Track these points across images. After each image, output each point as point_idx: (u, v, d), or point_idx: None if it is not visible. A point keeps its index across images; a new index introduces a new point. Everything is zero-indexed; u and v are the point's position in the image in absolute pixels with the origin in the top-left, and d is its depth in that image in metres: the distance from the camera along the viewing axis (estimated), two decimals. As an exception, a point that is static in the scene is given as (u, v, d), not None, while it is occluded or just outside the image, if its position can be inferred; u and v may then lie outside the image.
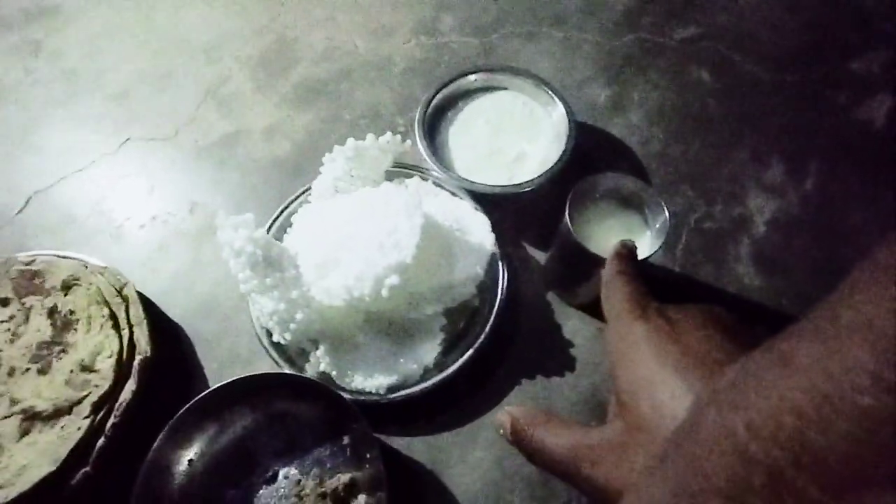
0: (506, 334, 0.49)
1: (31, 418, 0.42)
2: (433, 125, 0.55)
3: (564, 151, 0.51)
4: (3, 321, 0.47)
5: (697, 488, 0.18)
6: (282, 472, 0.44)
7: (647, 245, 0.45)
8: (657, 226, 0.44)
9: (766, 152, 0.59)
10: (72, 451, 0.40)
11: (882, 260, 0.15)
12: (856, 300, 0.15)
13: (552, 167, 0.51)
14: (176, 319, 0.51)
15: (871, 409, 0.13)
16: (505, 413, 0.29)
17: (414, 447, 0.45)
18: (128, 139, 0.60)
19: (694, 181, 0.58)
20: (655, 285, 0.51)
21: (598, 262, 0.42)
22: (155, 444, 0.41)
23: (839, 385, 0.14)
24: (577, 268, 0.45)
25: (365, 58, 0.65)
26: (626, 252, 0.33)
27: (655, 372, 0.24)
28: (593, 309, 0.50)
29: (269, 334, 0.46)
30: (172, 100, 0.63)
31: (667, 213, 0.42)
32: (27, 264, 0.49)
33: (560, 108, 0.54)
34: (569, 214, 0.42)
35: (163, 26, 0.68)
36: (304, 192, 0.52)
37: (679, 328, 0.25)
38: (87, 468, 0.41)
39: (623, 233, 0.45)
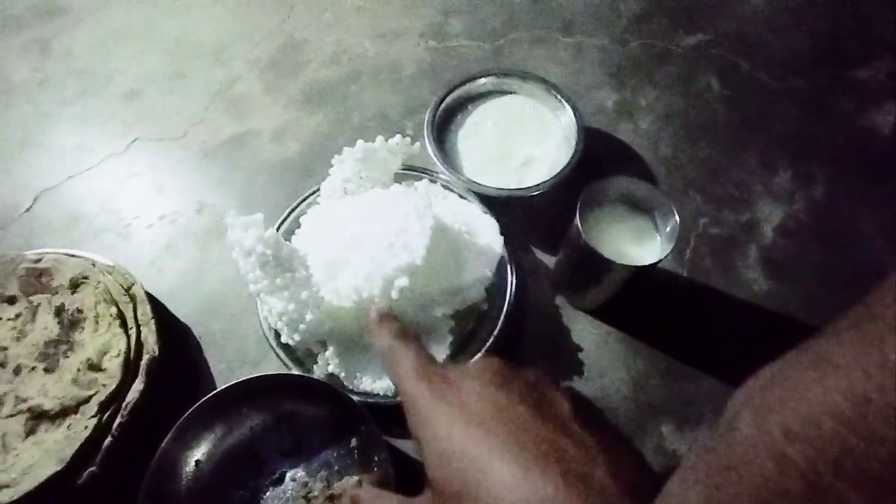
0: (514, 337, 0.49)
1: (38, 417, 0.42)
2: (442, 128, 0.55)
3: (573, 156, 0.51)
4: (9, 319, 0.47)
5: (732, 493, 0.17)
6: (289, 474, 0.43)
7: (656, 250, 0.45)
8: (667, 230, 0.44)
9: (774, 159, 0.59)
10: (78, 450, 0.40)
11: None
12: (895, 300, 0.15)
13: (561, 171, 0.51)
14: (183, 319, 0.51)
15: None
16: (347, 496, 0.33)
17: (421, 450, 0.44)
18: (136, 139, 0.61)
19: (702, 187, 0.58)
20: (664, 291, 0.51)
21: (608, 265, 0.42)
22: (163, 444, 0.40)
23: (880, 387, 0.14)
24: (587, 271, 0.45)
25: (374, 61, 0.65)
26: (388, 313, 0.34)
27: (445, 438, 0.25)
28: (601, 313, 0.50)
29: (278, 335, 0.46)
30: (181, 100, 0.63)
31: (677, 218, 0.42)
32: (35, 262, 0.49)
33: (569, 113, 0.54)
34: (579, 218, 0.42)
35: (172, 27, 0.69)
36: (312, 194, 0.52)
37: (459, 389, 0.26)
38: (94, 467, 0.40)
39: (633, 237, 0.45)
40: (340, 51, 0.66)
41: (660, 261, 0.43)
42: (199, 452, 0.43)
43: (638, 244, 0.45)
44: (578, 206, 0.42)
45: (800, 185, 0.57)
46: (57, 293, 0.48)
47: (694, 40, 0.68)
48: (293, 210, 0.52)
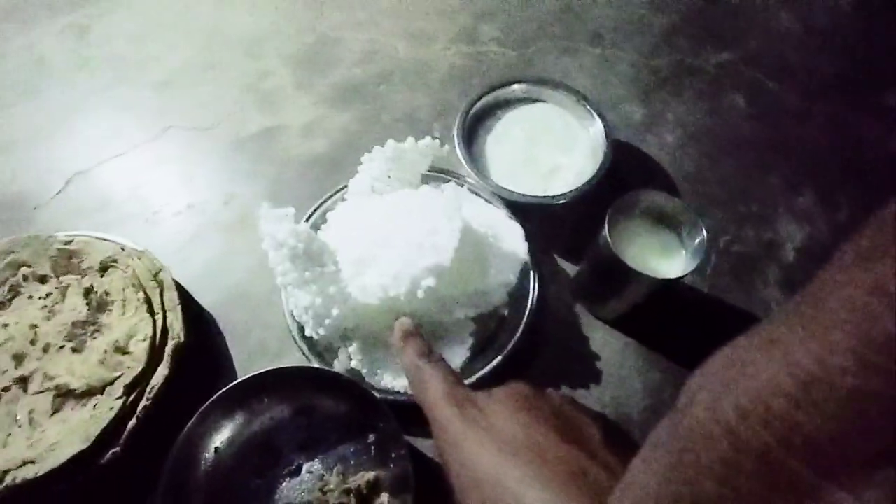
0: (533, 343, 0.49)
1: (64, 395, 0.43)
2: (471, 132, 0.55)
3: (601, 167, 0.52)
4: (41, 297, 0.48)
5: (690, 473, 0.18)
6: (305, 466, 0.44)
7: (681, 265, 0.45)
8: (693, 246, 0.44)
9: (799, 179, 0.59)
10: (103, 430, 0.41)
11: (864, 243, 0.15)
12: (838, 282, 0.15)
13: (587, 181, 0.51)
14: (207, 308, 0.51)
15: (856, 389, 0.14)
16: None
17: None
18: (169, 127, 0.61)
19: (725, 204, 0.58)
20: (684, 305, 0.51)
21: (633, 276, 0.42)
22: (185, 429, 0.41)
23: (824, 366, 0.14)
24: (611, 281, 0.46)
25: (405, 62, 0.66)
26: (414, 330, 0.35)
27: (476, 464, 0.25)
28: (621, 323, 0.50)
29: (301, 328, 0.46)
30: (214, 92, 0.64)
31: (704, 234, 0.43)
32: (66, 243, 0.50)
33: (598, 125, 0.54)
34: (608, 228, 0.42)
35: (208, 19, 0.70)
36: (340, 190, 0.53)
37: (488, 414, 0.27)
38: (117, 448, 0.41)
39: (658, 250, 0.46)
40: (372, 50, 0.67)
41: (683, 276, 0.43)
42: (219, 440, 0.43)
43: (663, 258, 0.45)
44: (608, 216, 0.42)
45: (823, 208, 0.57)
46: (86, 275, 0.49)
47: (722, 58, 0.68)
48: (321, 205, 0.52)
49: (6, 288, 0.48)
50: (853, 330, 0.14)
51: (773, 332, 0.17)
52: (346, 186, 0.52)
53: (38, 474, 0.39)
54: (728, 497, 0.17)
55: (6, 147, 0.60)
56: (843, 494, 0.14)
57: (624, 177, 0.58)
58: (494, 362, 0.46)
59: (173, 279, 0.49)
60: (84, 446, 0.40)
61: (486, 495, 0.24)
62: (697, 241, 0.43)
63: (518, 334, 0.47)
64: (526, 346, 0.47)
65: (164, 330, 0.46)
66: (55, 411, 0.43)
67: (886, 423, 0.14)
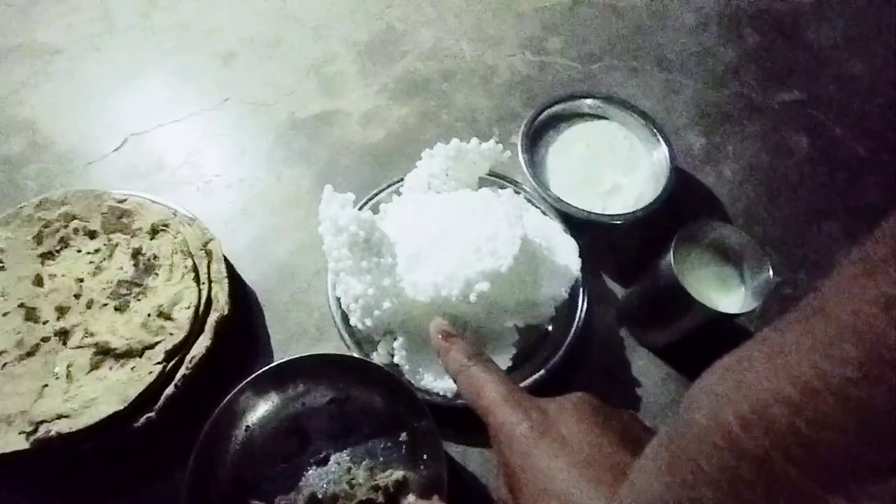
0: (574, 362, 0.48)
1: (104, 353, 0.43)
2: (533, 140, 0.55)
3: (662, 192, 0.51)
4: (88, 253, 0.48)
5: (690, 479, 0.18)
6: (333, 457, 0.43)
7: (738, 301, 0.44)
8: (755, 285, 0.43)
9: (858, 229, 0.58)
10: (141, 393, 0.40)
11: (872, 253, 0.15)
12: (845, 292, 0.15)
13: (647, 205, 0.51)
14: (250, 284, 0.51)
15: (859, 400, 0.14)
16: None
17: (469, 457, 0.44)
18: (228, 99, 0.61)
19: (779, 245, 0.57)
20: (730, 343, 0.50)
21: (691, 306, 0.41)
22: (222, 404, 0.40)
23: (828, 377, 0.14)
24: (664, 309, 0.45)
25: (469, 63, 0.66)
26: (454, 330, 0.34)
27: (546, 476, 0.25)
28: (665, 352, 0.49)
29: (345, 315, 0.46)
30: (276, 69, 0.64)
31: (770, 274, 0.42)
32: (119, 202, 0.50)
33: (663, 150, 0.54)
34: (673, 255, 0.41)
35: (277, -3, 0.70)
36: (396, 183, 0.52)
37: (559, 425, 0.26)
38: (152, 414, 0.41)
39: (717, 285, 0.45)
40: (438, 47, 0.67)
41: (740, 315, 0.42)
42: (251, 419, 0.43)
43: (720, 291, 0.44)
44: (674, 241, 0.41)
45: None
46: (136, 236, 0.49)
47: (788, 97, 0.67)
48: (375, 195, 0.52)
49: (56, 238, 0.48)
50: (857, 341, 0.14)
51: (776, 341, 0.17)
52: (401, 180, 0.52)
53: (73, 429, 0.39)
54: None
55: (67, 99, 0.60)
56: None
57: (679, 206, 0.57)
58: (534, 377, 0.45)
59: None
60: (120, 407, 0.40)
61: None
62: (761, 280, 0.42)
63: (561, 351, 0.46)
64: (566, 364, 0.46)
65: (209, 301, 0.46)
66: (93, 368, 0.42)
67: (888, 435, 0.14)
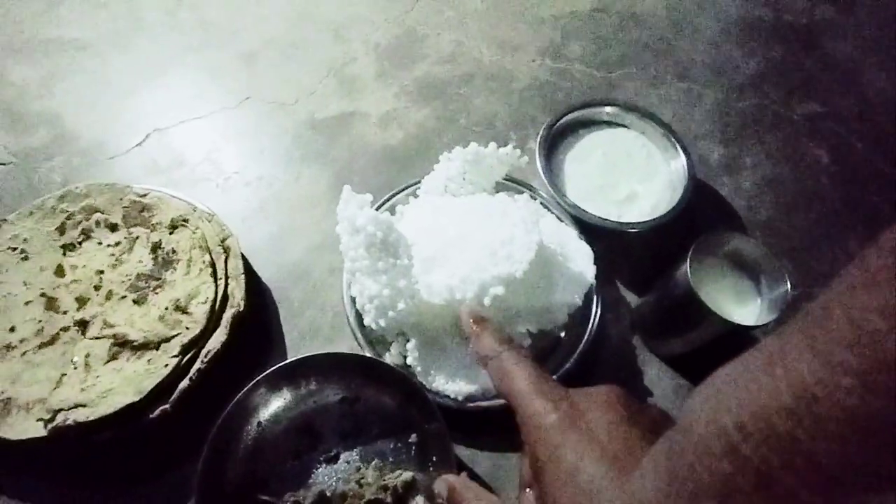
0: (585, 369, 0.48)
1: (122, 345, 0.43)
2: (551, 146, 0.55)
3: (679, 202, 0.51)
4: (109, 245, 0.49)
5: (690, 488, 0.18)
6: (343, 456, 0.43)
7: (754, 313, 0.44)
8: (772, 297, 0.43)
9: (877, 245, 0.57)
10: (157, 385, 0.41)
11: (872, 264, 0.15)
12: (844, 303, 0.15)
13: (664, 214, 0.50)
14: (265, 281, 0.51)
15: (858, 410, 0.14)
16: (444, 480, 0.33)
17: (478, 460, 0.44)
18: (248, 98, 0.62)
19: (796, 258, 0.56)
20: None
21: (706, 316, 0.41)
22: (236, 399, 0.41)
23: (828, 386, 0.14)
24: (679, 318, 0.45)
25: (489, 68, 0.66)
26: (486, 317, 0.35)
27: (574, 468, 0.24)
28: (677, 362, 0.49)
29: (358, 315, 0.46)
30: (297, 69, 0.64)
31: (788, 288, 0.41)
32: (141, 196, 0.51)
33: (681, 159, 0.53)
34: (690, 265, 0.41)
35: (300, -1, 0.71)
36: (413, 185, 0.53)
37: (587, 417, 0.26)
38: (167, 406, 0.41)
39: (733, 296, 0.44)
40: (457, 52, 0.67)
41: (756, 327, 0.42)
42: (264, 414, 0.43)
43: (736, 303, 0.44)
44: (691, 251, 0.41)
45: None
46: (156, 230, 0.49)
47: (809, 109, 0.67)
48: (392, 197, 0.52)
49: (78, 230, 0.49)
50: (858, 350, 0.14)
51: (776, 350, 0.17)
52: (419, 182, 0.52)
53: (89, 419, 0.39)
54: None
55: (92, 94, 0.61)
56: None
57: (696, 216, 0.57)
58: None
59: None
60: (136, 398, 0.40)
61: (580, 499, 0.24)
62: (778, 293, 0.42)
63: (574, 358, 0.46)
64: (578, 371, 0.46)
65: (225, 296, 0.46)
66: (111, 359, 0.43)
67: (887, 446, 0.14)
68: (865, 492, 0.14)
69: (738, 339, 0.49)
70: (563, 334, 0.48)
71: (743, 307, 0.44)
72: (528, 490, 0.28)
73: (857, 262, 0.15)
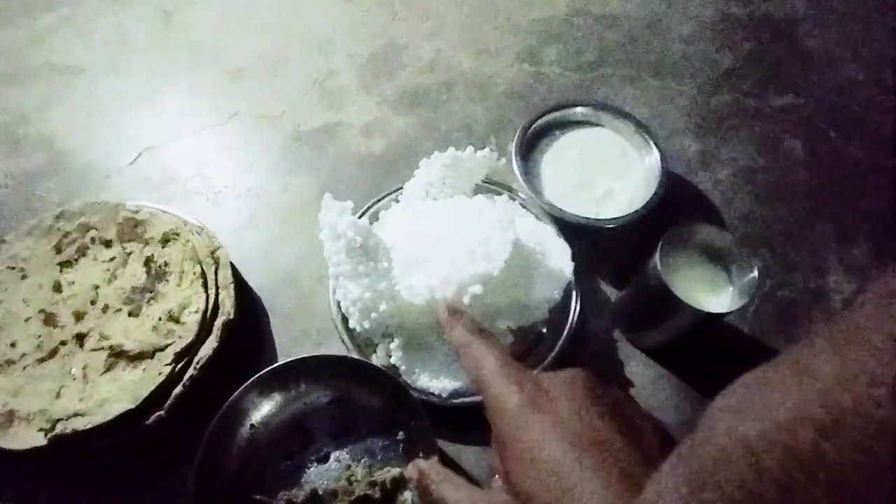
0: (569, 362, 0.49)
1: (118, 356, 0.45)
2: (528, 149, 0.56)
3: (654, 196, 0.52)
4: (104, 261, 0.51)
5: (709, 497, 0.17)
6: (334, 455, 0.45)
7: (726, 301, 0.45)
8: (742, 284, 0.44)
9: (853, 232, 0.58)
10: (151, 392, 0.43)
11: None
12: (875, 314, 0.15)
13: (639, 209, 0.52)
14: (256, 289, 0.53)
15: (889, 421, 0.13)
16: (414, 465, 0.33)
17: (464, 456, 0.46)
18: (236, 113, 0.64)
19: (774, 247, 0.57)
20: (723, 343, 0.51)
21: (678, 307, 0.42)
22: (227, 403, 0.42)
23: (857, 397, 0.14)
24: (654, 310, 0.46)
25: (468, 75, 0.68)
26: (460, 310, 0.35)
27: (537, 448, 0.25)
28: (658, 354, 0.50)
29: (345, 319, 0.47)
30: (283, 84, 0.66)
31: (756, 274, 0.43)
32: (133, 213, 0.53)
33: (655, 155, 0.55)
34: (659, 257, 0.42)
35: (284, 15, 0.73)
36: (395, 191, 0.54)
37: (550, 398, 0.27)
38: (162, 412, 0.43)
39: (705, 285, 0.46)
40: (437, 60, 0.69)
41: (730, 312, 0.43)
42: (255, 417, 0.45)
43: (709, 292, 0.45)
44: (660, 245, 0.43)
45: (877, 263, 0.56)
46: (148, 244, 0.51)
47: (784, 102, 0.68)
48: (375, 203, 0.54)
49: (75, 248, 0.51)
50: (889, 361, 0.14)
51: (802, 359, 0.16)
52: (401, 188, 0.54)
53: (87, 427, 0.41)
54: None
55: (87, 116, 0.63)
56: None
57: (673, 209, 0.58)
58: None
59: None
60: (132, 406, 0.42)
61: (543, 479, 0.24)
62: (747, 280, 0.43)
63: (554, 352, 0.47)
64: (560, 365, 0.47)
65: (216, 305, 0.48)
66: (107, 370, 0.45)
67: None
68: None
69: (715, 326, 0.50)
70: (544, 329, 0.49)
71: (716, 295, 0.45)
72: (496, 476, 0.29)
73: (885, 275, 0.15)
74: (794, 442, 0.15)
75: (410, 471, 0.33)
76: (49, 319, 0.47)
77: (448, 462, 0.45)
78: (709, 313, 0.42)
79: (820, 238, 0.58)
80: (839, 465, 0.14)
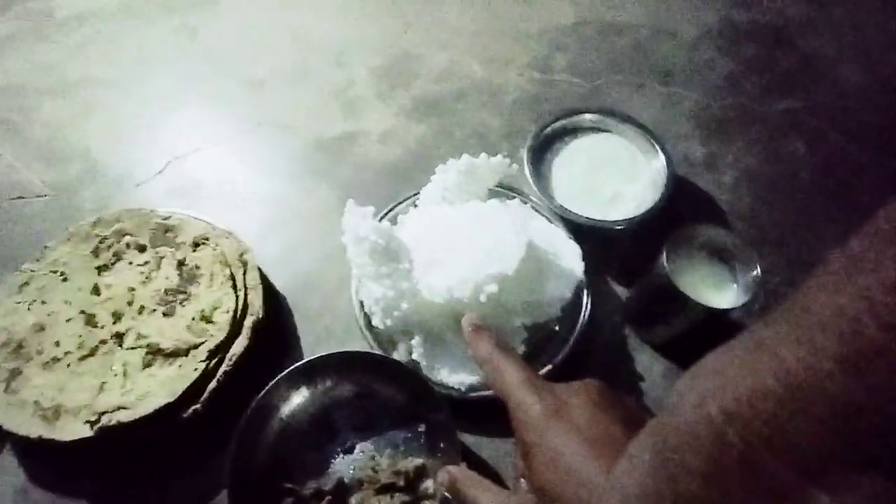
0: (580, 359, 0.51)
1: (155, 353, 0.48)
2: (539, 154, 0.59)
3: (661, 198, 0.55)
4: (139, 265, 0.53)
5: (675, 472, 0.19)
6: (359, 446, 0.47)
7: (731, 298, 0.47)
8: (746, 281, 0.46)
9: (855, 231, 0.60)
10: (188, 387, 0.45)
11: (855, 250, 0.15)
12: (827, 289, 0.16)
13: (646, 211, 0.54)
14: (281, 290, 0.56)
15: (840, 393, 0.14)
16: (445, 471, 0.35)
17: (482, 446, 0.48)
18: (259, 123, 0.67)
19: (778, 246, 0.59)
20: (729, 339, 0.53)
21: (685, 303, 0.44)
22: (259, 397, 0.45)
23: (811, 370, 0.15)
24: (662, 306, 0.48)
25: (480, 83, 0.70)
26: (483, 323, 0.37)
27: (557, 451, 0.27)
28: (666, 349, 0.52)
29: (367, 318, 0.50)
30: (302, 95, 0.69)
31: (758, 271, 0.45)
32: (165, 219, 0.56)
33: (661, 159, 0.57)
34: (666, 255, 0.45)
35: (303, 29, 0.76)
36: (412, 196, 0.57)
37: (569, 407, 0.29)
38: (198, 406, 0.46)
39: (711, 282, 0.48)
40: (450, 70, 0.72)
41: (735, 308, 0.45)
42: (285, 411, 0.47)
43: (715, 289, 0.48)
44: (666, 244, 0.45)
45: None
46: (180, 249, 0.54)
47: (787, 105, 0.70)
48: (393, 208, 0.57)
49: (111, 252, 0.54)
50: (840, 336, 0.14)
51: (761, 336, 0.17)
52: (418, 193, 0.56)
53: (131, 419, 0.44)
54: (712, 497, 0.18)
55: (119, 128, 0.67)
56: (823, 497, 0.15)
57: (680, 211, 0.60)
58: (543, 371, 0.48)
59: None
60: (170, 400, 0.45)
61: (563, 479, 0.27)
62: (751, 276, 0.45)
63: (567, 348, 0.49)
64: (573, 361, 0.50)
65: (245, 305, 0.51)
66: (146, 366, 0.47)
67: (868, 428, 0.14)
68: (846, 472, 0.15)
69: (719, 321, 0.52)
70: (557, 327, 0.52)
71: (721, 292, 0.47)
72: (521, 479, 0.31)
73: (840, 249, 0.16)
74: (752, 414, 0.16)
75: (442, 476, 0.35)
76: (89, 320, 0.50)
77: (468, 452, 0.47)
78: (714, 309, 0.44)
79: (824, 239, 0.60)
80: (796, 436, 0.15)
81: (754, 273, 0.45)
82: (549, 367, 0.49)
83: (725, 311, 0.45)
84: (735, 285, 0.47)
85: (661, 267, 0.45)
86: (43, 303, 0.51)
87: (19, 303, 0.51)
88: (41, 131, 0.66)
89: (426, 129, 0.66)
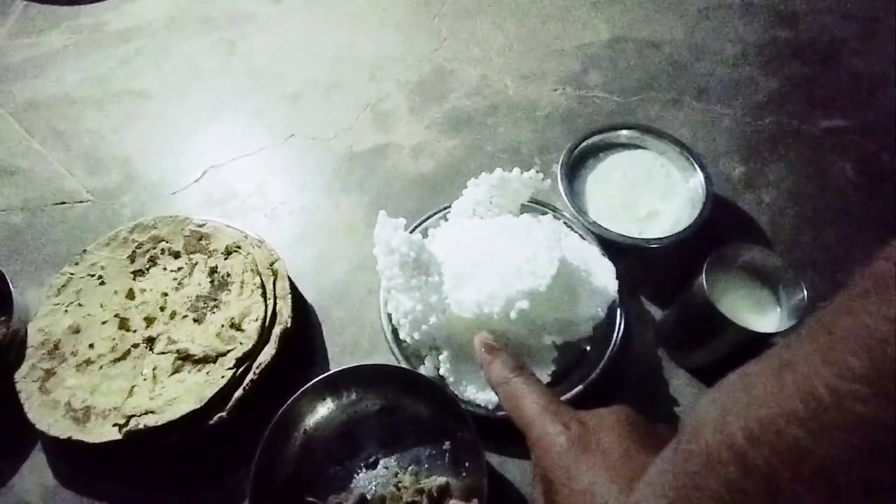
0: (611, 380, 0.50)
1: (184, 359, 0.48)
2: (573, 169, 0.58)
3: (699, 217, 0.53)
4: (172, 270, 0.54)
5: (696, 496, 0.18)
6: (382, 462, 0.46)
7: (774, 322, 0.45)
8: (791, 305, 0.44)
9: (906, 256, 0.57)
10: (215, 394, 0.45)
11: (883, 270, 0.15)
12: (855, 310, 0.15)
13: (684, 230, 0.52)
14: (309, 301, 0.56)
15: (867, 418, 0.14)
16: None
17: (507, 467, 0.46)
18: (292, 135, 0.68)
19: (822, 269, 0.57)
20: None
21: (725, 326, 0.42)
22: (284, 407, 0.45)
23: (837, 393, 0.14)
24: (700, 329, 0.46)
25: (513, 98, 0.70)
26: (498, 344, 0.35)
27: (588, 491, 0.25)
28: (702, 373, 0.50)
29: (395, 331, 0.49)
30: (336, 107, 0.70)
31: (805, 294, 0.43)
32: (199, 226, 0.56)
33: (699, 177, 0.56)
34: (705, 276, 0.43)
35: (338, 44, 0.77)
36: (443, 209, 0.57)
37: (598, 438, 0.26)
38: (224, 413, 0.45)
39: (752, 305, 0.46)
40: (483, 85, 0.72)
41: (778, 333, 0.43)
42: (310, 422, 0.47)
43: (756, 312, 0.46)
44: (706, 264, 0.43)
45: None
46: (212, 256, 0.55)
47: (831, 124, 0.68)
48: (424, 221, 0.56)
49: (146, 258, 0.55)
50: (868, 357, 0.14)
51: (785, 357, 0.17)
52: (449, 207, 0.56)
53: (158, 423, 0.44)
54: None
55: (157, 138, 0.68)
56: None
57: (718, 231, 0.58)
58: (572, 392, 0.47)
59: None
60: (197, 406, 0.45)
61: None
62: (796, 300, 0.43)
63: (598, 369, 0.48)
64: (604, 382, 0.48)
65: (274, 314, 0.51)
66: (175, 371, 0.48)
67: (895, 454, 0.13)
68: (874, 498, 0.14)
69: (760, 346, 0.50)
70: (588, 347, 0.50)
71: (763, 316, 0.45)
72: None
73: (866, 269, 0.15)
74: (776, 437, 0.16)
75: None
76: (123, 323, 0.51)
77: (494, 473, 0.46)
78: (756, 333, 0.42)
79: (868, 260, 0.57)
80: (820, 458, 0.15)
81: (800, 296, 0.43)
82: (580, 387, 0.47)
83: (769, 336, 0.43)
84: (779, 309, 0.45)
85: (701, 287, 0.43)
86: (80, 305, 0.52)
87: (57, 304, 0.52)
88: (86, 139, 0.68)
89: (458, 143, 0.66)
